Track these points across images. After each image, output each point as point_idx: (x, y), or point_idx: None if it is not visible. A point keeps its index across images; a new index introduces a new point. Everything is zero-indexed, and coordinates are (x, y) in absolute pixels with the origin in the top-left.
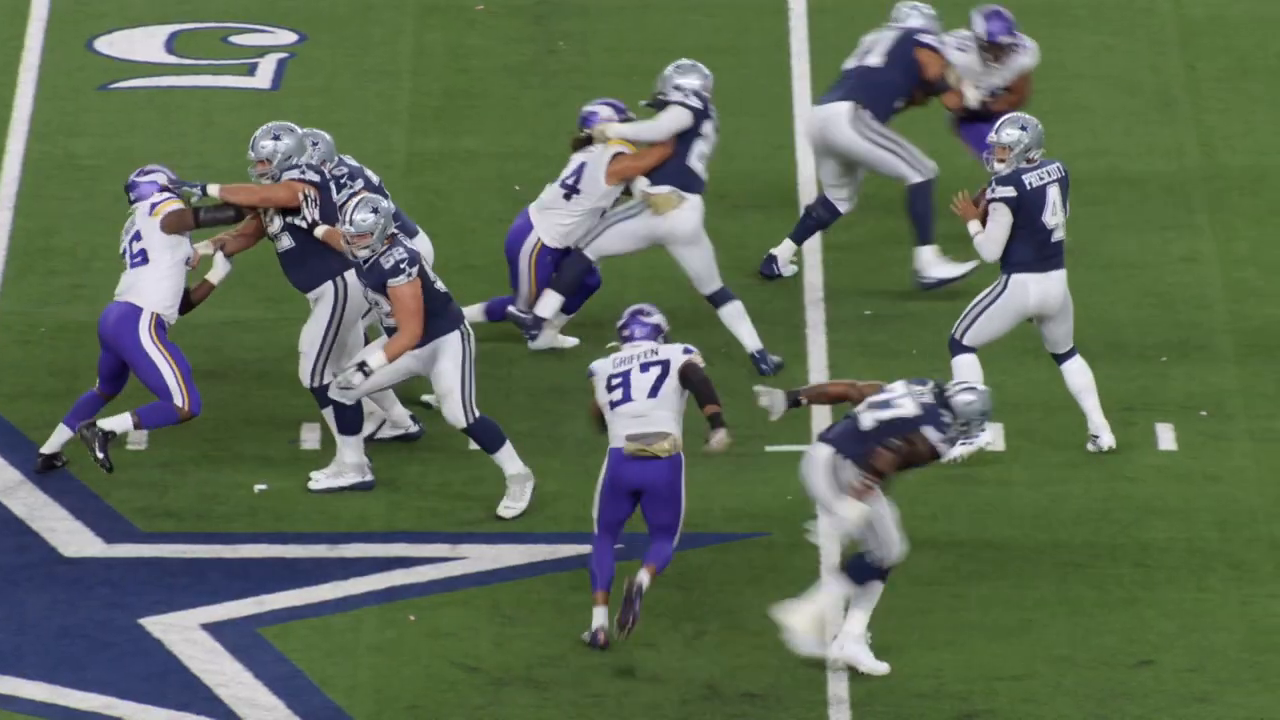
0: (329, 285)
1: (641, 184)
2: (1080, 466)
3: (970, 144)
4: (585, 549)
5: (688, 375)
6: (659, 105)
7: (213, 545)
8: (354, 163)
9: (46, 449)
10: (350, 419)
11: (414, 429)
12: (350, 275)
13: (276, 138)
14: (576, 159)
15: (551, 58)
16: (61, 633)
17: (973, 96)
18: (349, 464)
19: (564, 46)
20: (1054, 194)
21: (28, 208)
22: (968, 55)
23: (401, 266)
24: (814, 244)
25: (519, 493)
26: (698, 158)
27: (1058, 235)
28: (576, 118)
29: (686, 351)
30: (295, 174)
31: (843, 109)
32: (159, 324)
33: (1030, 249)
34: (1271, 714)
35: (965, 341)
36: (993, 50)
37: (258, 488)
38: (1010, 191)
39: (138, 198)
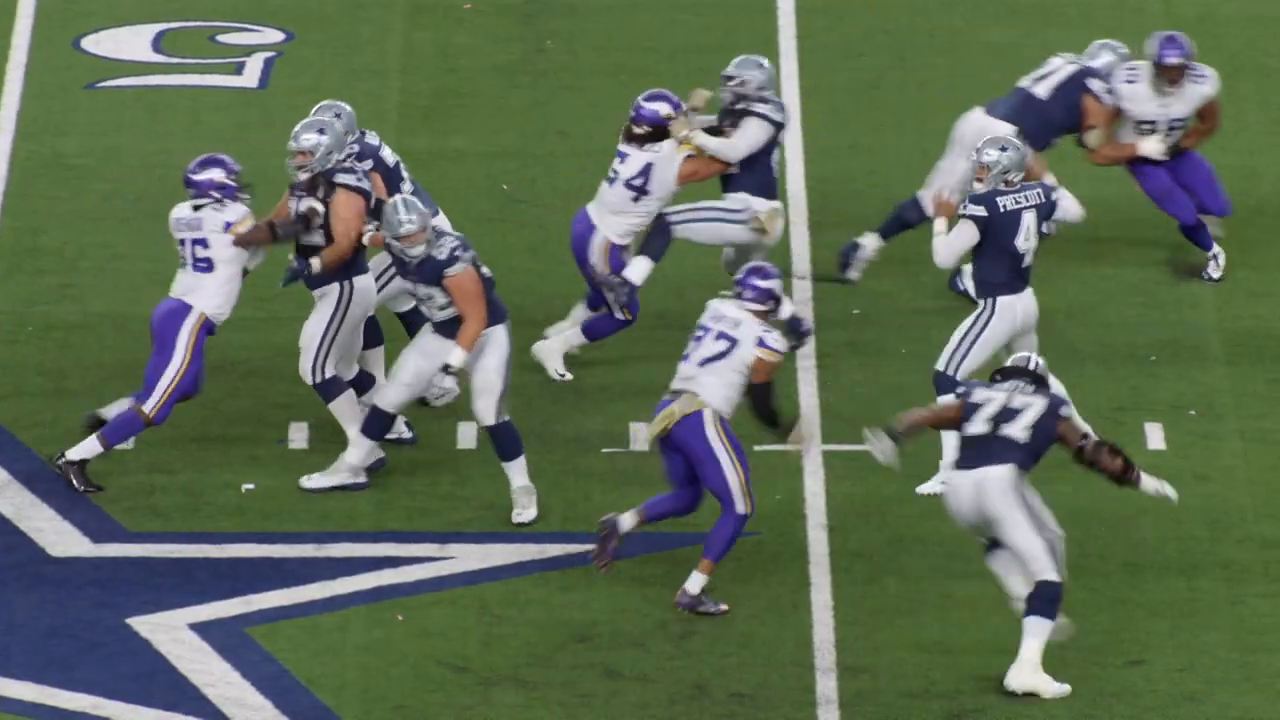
0: (335, 286)
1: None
2: (1069, 465)
3: (1148, 187)
4: (574, 548)
5: (753, 383)
6: (737, 111)
7: (200, 545)
8: (374, 140)
9: (102, 411)
10: (376, 425)
11: (408, 435)
12: (359, 280)
13: (320, 131)
14: (640, 158)
15: (540, 57)
16: (49, 633)
17: (1153, 149)
18: (347, 463)
19: (552, 46)
20: (1029, 219)
21: (15, 207)
22: (1138, 85)
23: (456, 254)
24: (801, 245)
25: (527, 501)
26: (775, 163)
27: (1028, 260)
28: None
29: (761, 344)
30: (351, 179)
31: (1006, 130)
32: (205, 326)
33: (1004, 271)
34: (1261, 713)
35: (959, 376)
36: (1165, 73)
37: (245, 487)
38: (980, 211)
39: (198, 194)
